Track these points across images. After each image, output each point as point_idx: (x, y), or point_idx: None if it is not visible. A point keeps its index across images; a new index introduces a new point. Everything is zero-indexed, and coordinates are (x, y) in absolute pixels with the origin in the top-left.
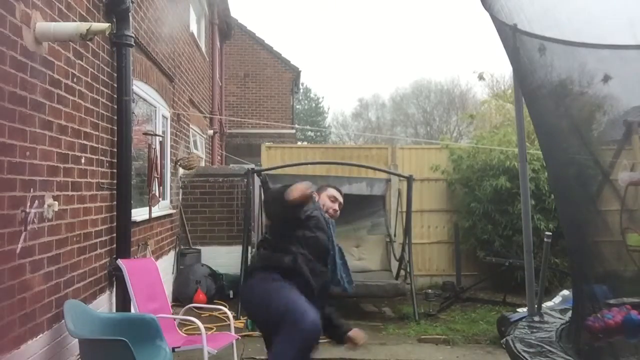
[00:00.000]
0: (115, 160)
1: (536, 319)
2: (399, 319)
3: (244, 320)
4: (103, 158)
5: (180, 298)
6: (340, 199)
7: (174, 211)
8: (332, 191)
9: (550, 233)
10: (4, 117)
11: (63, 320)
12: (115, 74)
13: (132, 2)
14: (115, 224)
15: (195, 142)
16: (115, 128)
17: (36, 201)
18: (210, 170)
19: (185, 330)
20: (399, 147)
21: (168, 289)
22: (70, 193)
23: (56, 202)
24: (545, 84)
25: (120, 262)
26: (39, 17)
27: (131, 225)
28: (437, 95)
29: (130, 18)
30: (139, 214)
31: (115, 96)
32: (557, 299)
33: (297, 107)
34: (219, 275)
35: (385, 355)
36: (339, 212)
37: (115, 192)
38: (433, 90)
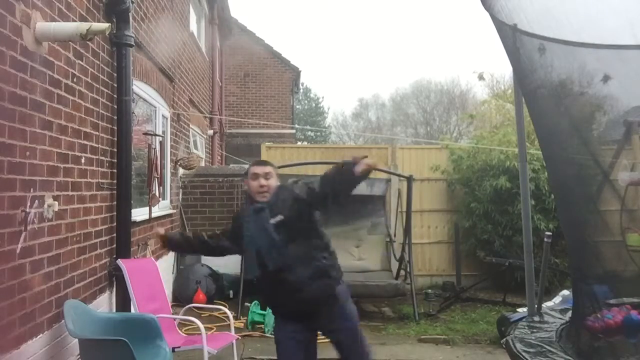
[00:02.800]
0: (115, 160)
1: (536, 319)
2: (399, 319)
3: (244, 320)
4: (103, 158)
5: (180, 298)
6: (263, 170)
7: (174, 211)
8: (251, 169)
9: (550, 233)
10: (4, 117)
11: (63, 320)
12: (115, 74)
13: (132, 2)
14: (115, 224)
15: (195, 142)
16: (115, 128)
17: (36, 201)
18: (210, 170)
19: (185, 330)
20: (399, 147)
21: (168, 289)
22: (70, 193)
23: (56, 202)
24: (545, 84)
25: (120, 262)
26: (39, 17)
27: (131, 225)
28: (437, 95)
29: (130, 18)
30: (139, 214)
31: (115, 96)
32: (557, 299)
33: (297, 107)
34: (219, 275)
35: (385, 355)
36: (269, 187)
37: (115, 192)
38: (433, 90)
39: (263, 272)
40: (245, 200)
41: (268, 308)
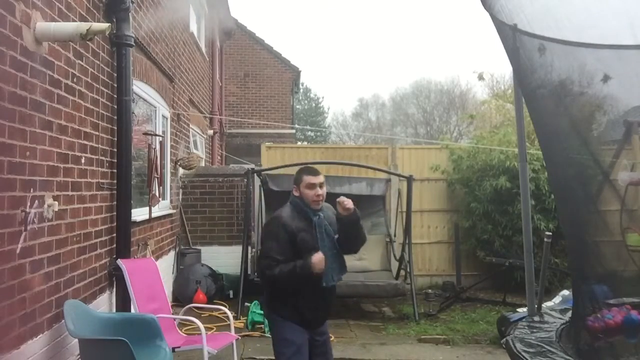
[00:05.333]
0: (115, 160)
1: (536, 319)
2: (399, 319)
3: (244, 320)
4: (103, 158)
5: (180, 298)
6: (319, 180)
7: (174, 211)
8: (307, 178)
9: (550, 233)
10: (4, 117)
11: (63, 320)
12: (115, 74)
13: (132, 2)
14: (115, 224)
15: (195, 142)
16: (115, 128)
17: (36, 201)
18: (210, 170)
19: (185, 330)
20: (399, 147)
21: (168, 289)
22: (70, 193)
23: (56, 202)
24: (545, 84)
25: (120, 262)
26: (39, 17)
27: (131, 225)
28: (437, 95)
29: (130, 18)
30: (139, 214)
31: (115, 96)
32: (557, 299)
33: (297, 107)
34: (219, 275)
35: (385, 355)
36: (323, 196)
37: (115, 192)
38: (433, 90)
39: (312, 280)
40: (290, 206)
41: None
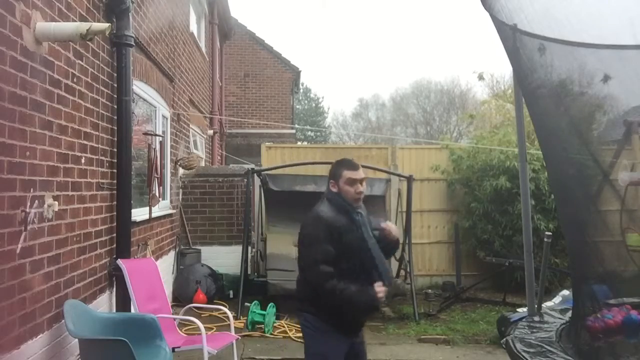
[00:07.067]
0: (115, 160)
1: (536, 319)
2: (399, 319)
3: (244, 320)
4: (103, 158)
5: (180, 298)
6: (360, 176)
7: (174, 211)
8: (347, 173)
9: (550, 233)
10: (4, 117)
11: (63, 320)
12: (115, 74)
13: (132, 2)
14: (115, 224)
15: (195, 142)
16: (115, 128)
17: (36, 201)
18: (210, 170)
19: (185, 330)
20: (399, 147)
21: (168, 289)
22: (70, 193)
23: (56, 202)
24: (545, 84)
25: (120, 262)
26: (39, 17)
27: (131, 225)
28: (437, 95)
29: (130, 18)
30: (139, 214)
31: (115, 96)
32: (557, 299)
33: (297, 107)
34: (219, 275)
35: (385, 355)
36: (363, 192)
37: (115, 192)
38: (433, 90)
39: (358, 282)
40: (329, 203)
41: (270, 308)
